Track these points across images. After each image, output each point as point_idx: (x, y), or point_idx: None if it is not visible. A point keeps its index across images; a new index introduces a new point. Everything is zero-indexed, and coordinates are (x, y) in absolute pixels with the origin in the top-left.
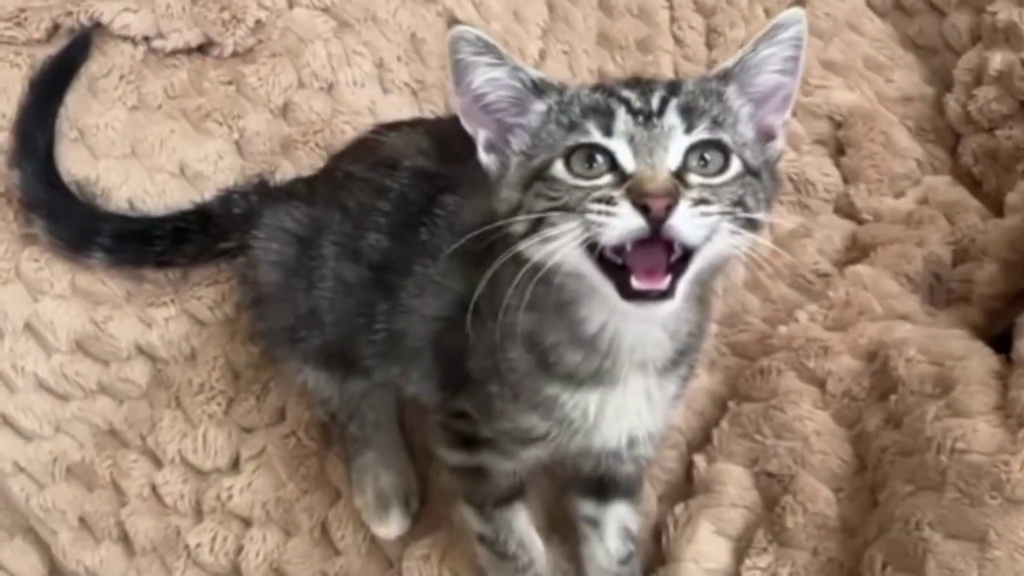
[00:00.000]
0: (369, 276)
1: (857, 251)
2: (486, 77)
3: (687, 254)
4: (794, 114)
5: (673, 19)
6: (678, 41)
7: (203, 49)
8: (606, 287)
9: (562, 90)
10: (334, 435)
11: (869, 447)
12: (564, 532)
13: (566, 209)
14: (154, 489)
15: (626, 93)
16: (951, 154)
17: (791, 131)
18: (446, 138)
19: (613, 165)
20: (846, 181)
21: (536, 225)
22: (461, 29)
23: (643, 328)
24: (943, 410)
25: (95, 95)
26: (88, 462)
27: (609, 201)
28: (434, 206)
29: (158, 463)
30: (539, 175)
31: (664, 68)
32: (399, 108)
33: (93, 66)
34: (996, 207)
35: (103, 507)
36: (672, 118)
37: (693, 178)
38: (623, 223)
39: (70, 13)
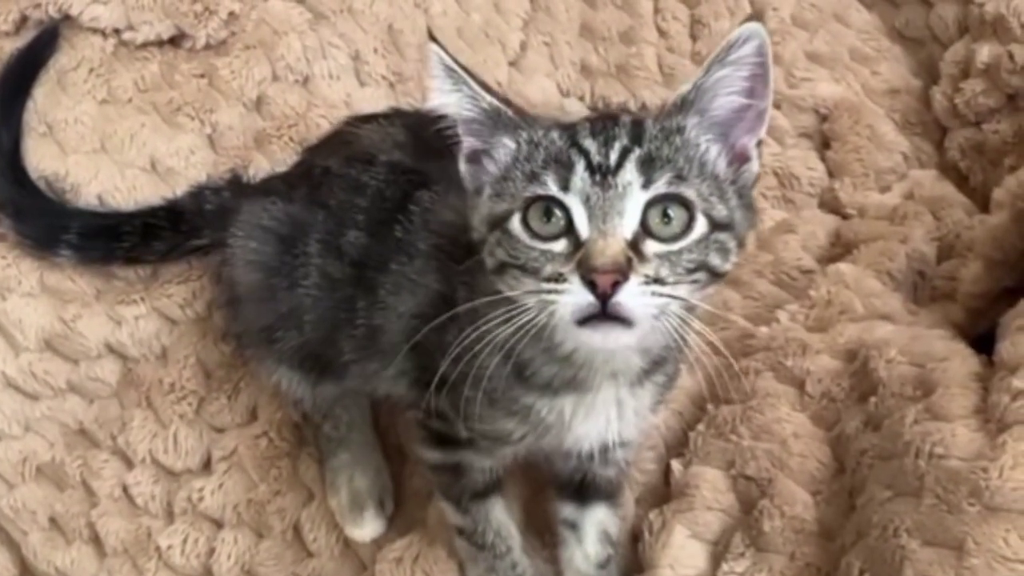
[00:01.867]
0: (351, 272)
1: (841, 247)
2: (442, 100)
3: None
4: (779, 107)
5: (657, 10)
6: (662, 32)
7: (175, 41)
8: (568, 328)
9: (529, 125)
10: (307, 435)
11: (848, 450)
12: (544, 537)
13: (523, 269)
14: (125, 490)
15: (587, 143)
16: (937, 148)
17: (776, 124)
18: (422, 131)
19: (569, 225)
20: (831, 175)
21: (499, 272)
22: (429, 47)
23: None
24: (922, 413)
25: (64, 89)
26: (58, 462)
27: (559, 279)
28: (409, 202)
29: (129, 463)
30: (500, 225)
31: (648, 60)
32: (376, 101)
33: (62, 59)
34: (982, 202)
35: (74, 507)
36: (630, 174)
37: (650, 246)
38: (573, 299)
39: (38, 5)
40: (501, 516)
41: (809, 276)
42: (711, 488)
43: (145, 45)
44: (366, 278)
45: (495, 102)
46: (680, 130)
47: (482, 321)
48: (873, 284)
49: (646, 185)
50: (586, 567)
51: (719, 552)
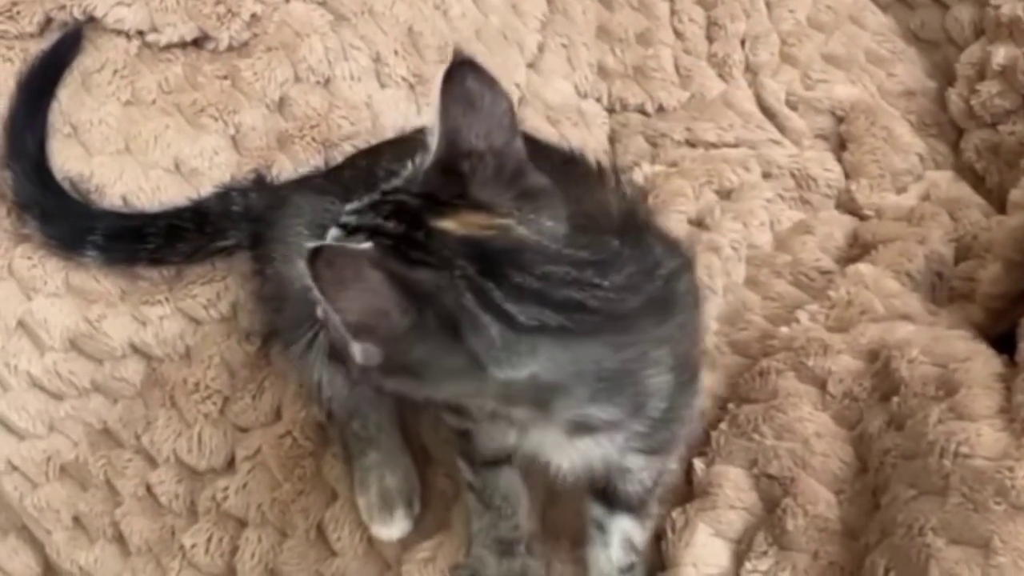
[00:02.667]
0: None
1: (859, 248)
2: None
3: None
4: (795, 108)
5: (673, 11)
6: (678, 34)
7: (198, 43)
8: None
9: None
10: (331, 435)
11: (871, 449)
12: (563, 538)
13: None
14: (149, 489)
15: None
16: (953, 149)
17: (793, 126)
18: None
19: None
20: (848, 176)
21: None
22: None
23: None
24: (946, 413)
25: (88, 90)
26: (82, 461)
27: None
28: None
29: (153, 463)
30: None
31: (664, 61)
32: (396, 103)
33: (86, 60)
34: (999, 203)
35: (97, 507)
36: None
37: None
38: None
39: (63, 7)
40: (510, 483)
41: (827, 277)
42: (734, 487)
43: (168, 47)
44: None
45: None
46: None
47: None
48: (892, 285)
49: None
50: (608, 569)
51: (742, 551)
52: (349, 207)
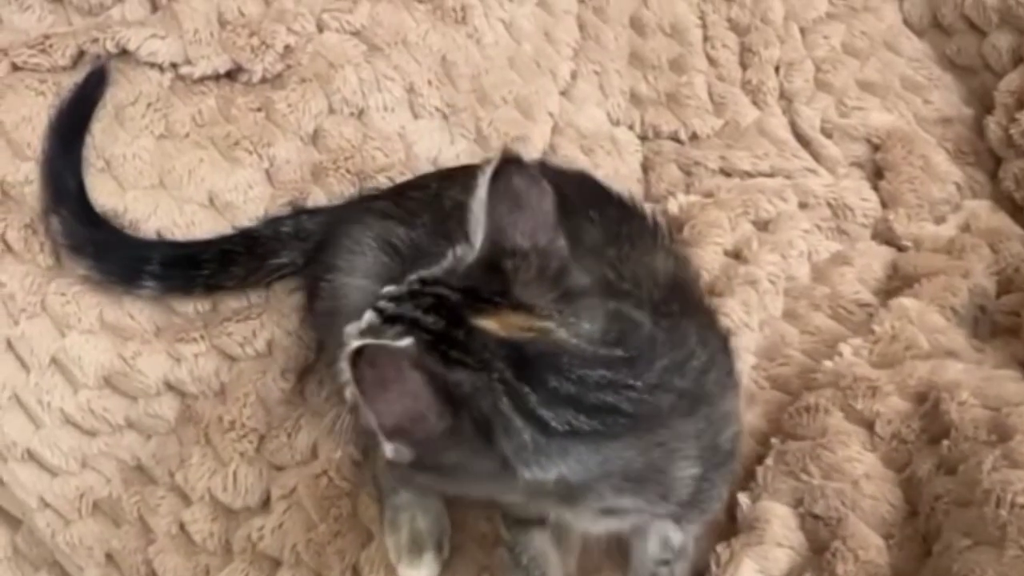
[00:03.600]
0: None
1: (899, 280)
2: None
3: None
4: (830, 136)
5: (706, 38)
6: (712, 61)
7: (231, 75)
8: None
9: None
10: (366, 475)
11: (920, 493)
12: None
13: None
14: (182, 527)
15: None
16: (991, 178)
17: (828, 154)
18: (561, 188)
19: None
20: (884, 205)
21: None
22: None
23: None
24: (1000, 460)
25: (122, 124)
26: (115, 498)
27: None
28: None
29: (187, 500)
30: None
31: (698, 88)
32: (430, 133)
33: (120, 94)
34: None
35: (130, 544)
36: None
37: None
38: None
39: (96, 40)
40: (541, 545)
41: (866, 309)
42: (781, 524)
43: (202, 79)
44: None
45: None
46: None
47: None
48: (937, 320)
49: None
50: (645, 558)
51: None
52: (387, 291)
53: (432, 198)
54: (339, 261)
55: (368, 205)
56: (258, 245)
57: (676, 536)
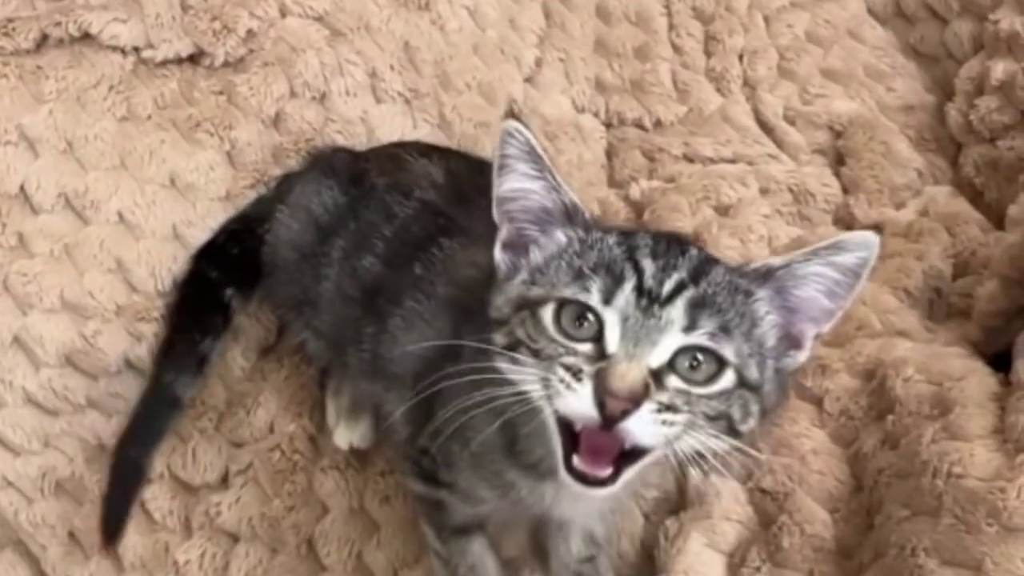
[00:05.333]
0: (360, 296)
1: None
2: (522, 185)
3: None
4: (793, 123)
5: (671, 26)
6: (676, 48)
7: (194, 59)
8: (556, 443)
9: (588, 228)
10: (321, 447)
11: (866, 468)
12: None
13: (538, 356)
14: (142, 505)
15: (646, 262)
16: (952, 164)
17: (790, 140)
18: (461, 177)
19: (599, 334)
20: (846, 191)
21: (511, 348)
22: (513, 125)
23: None
24: (940, 433)
25: (84, 106)
26: (78, 477)
27: (577, 373)
28: (432, 245)
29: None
30: (530, 307)
31: (662, 76)
32: (392, 117)
33: (82, 76)
34: (997, 218)
35: (93, 522)
36: (676, 312)
37: (672, 380)
38: (577, 404)
39: (58, 23)
40: (479, 553)
41: None
42: (729, 499)
43: (164, 63)
44: (376, 306)
45: (572, 198)
46: (748, 293)
47: (497, 358)
48: (890, 300)
49: (688, 329)
50: (568, 559)
51: (735, 564)
52: None
53: (360, 175)
54: (275, 227)
55: (330, 160)
56: (255, 222)
57: (599, 527)
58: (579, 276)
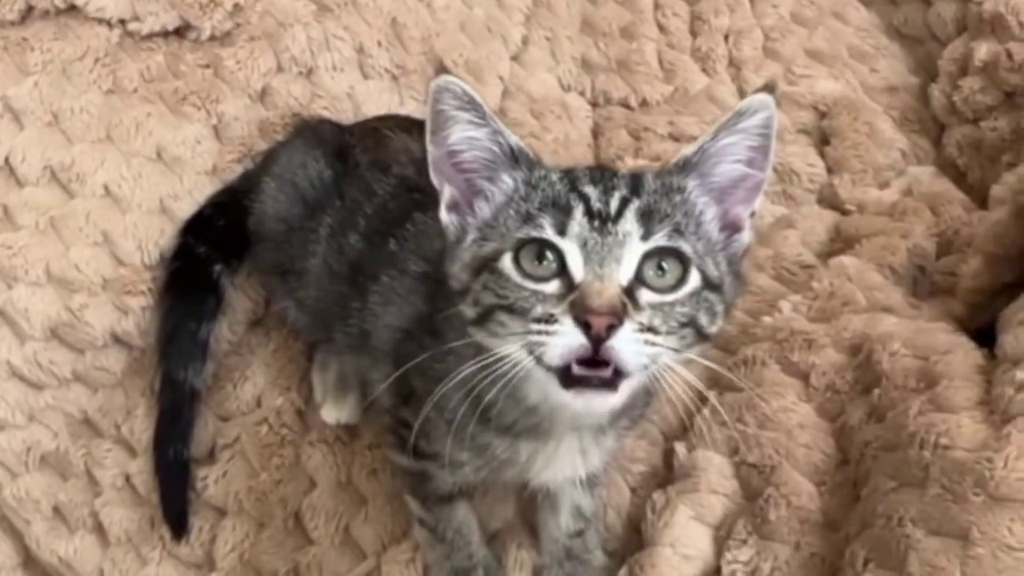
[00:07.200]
0: (347, 272)
1: (841, 242)
2: (465, 135)
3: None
4: (779, 104)
5: (657, 6)
6: (662, 28)
7: (180, 32)
8: (549, 381)
9: (532, 167)
10: (309, 422)
11: (852, 441)
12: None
13: (511, 311)
14: (128, 479)
15: (588, 189)
16: (935, 145)
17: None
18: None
19: (562, 268)
20: (830, 171)
21: (483, 319)
22: (447, 79)
23: None
24: (926, 405)
25: (69, 79)
26: (62, 451)
27: (549, 320)
28: (408, 220)
29: (132, 452)
30: (488, 265)
31: (648, 55)
32: (379, 94)
33: (68, 49)
34: (980, 198)
35: (77, 497)
36: (629, 224)
37: (644, 295)
38: (564, 340)
39: None
40: (463, 516)
41: (809, 271)
42: (716, 472)
43: (151, 36)
44: (359, 283)
45: (516, 140)
46: (680, 189)
47: (472, 330)
48: (875, 277)
49: (645, 236)
50: (558, 534)
51: (721, 537)
52: None
53: (347, 150)
54: (261, 197)
55: (316, 130)
56: (242, 195)
57: (586, 502)
58: (528, 218)
